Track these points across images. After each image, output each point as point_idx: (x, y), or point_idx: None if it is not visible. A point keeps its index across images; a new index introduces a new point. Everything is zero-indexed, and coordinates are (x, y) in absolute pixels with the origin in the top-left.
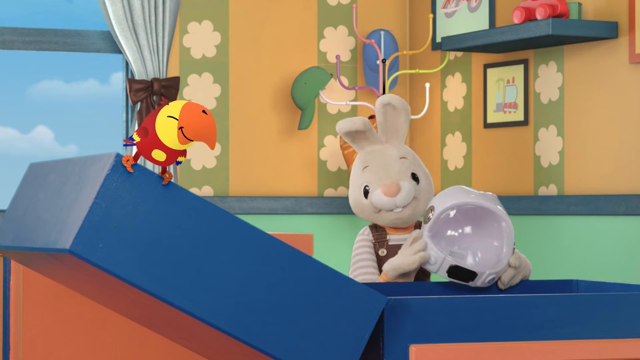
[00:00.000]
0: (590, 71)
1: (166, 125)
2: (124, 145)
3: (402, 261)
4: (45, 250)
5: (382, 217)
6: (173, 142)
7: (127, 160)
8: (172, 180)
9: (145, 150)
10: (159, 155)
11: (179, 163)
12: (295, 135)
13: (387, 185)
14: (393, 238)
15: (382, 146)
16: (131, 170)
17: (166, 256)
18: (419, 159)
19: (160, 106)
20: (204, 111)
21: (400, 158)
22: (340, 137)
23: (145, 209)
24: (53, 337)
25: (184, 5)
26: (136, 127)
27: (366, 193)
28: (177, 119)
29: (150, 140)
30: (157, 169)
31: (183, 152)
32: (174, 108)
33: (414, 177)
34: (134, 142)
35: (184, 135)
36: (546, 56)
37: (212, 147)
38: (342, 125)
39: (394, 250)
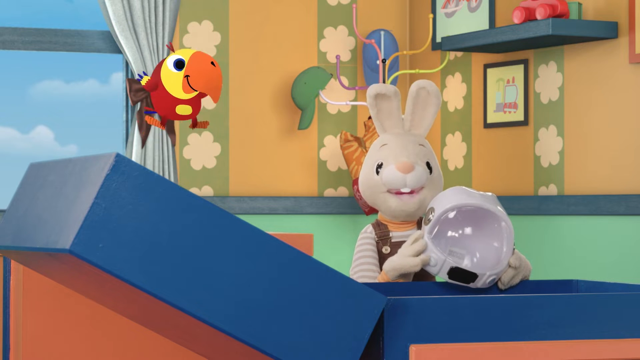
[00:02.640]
0: (590, 71)
1: (171, 72)
2: (145, 112)
3: (403, 263)
4: (45, 250)
5: (387, 201)
6: (178, 92)
7: (156, 123)
8: (173, 181)
9: (168, 111)
10: (184, 109)
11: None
12: (295, 135)
13: (401, 162)
14: (396, 235)
15: (403, 131)
16: (163, 128)
17: (166, 256)
18: (434, 153)
19: (165, 58)
20: (212, 62)
21: (419, 144)
22: (340, 136)
23: (145, 209)
24: (53, 337)
25: (184, 5)
26: (136, 128)
27: (378, 170)
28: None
29: (165, 99)
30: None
31: (202, 95)
32: (182, 55)
33: (428, 166)
34: (153, 111)
35: (189, 84)
36: (546, 56)
37: (215, 100)
38: (374, 87)
39: (397, 247)
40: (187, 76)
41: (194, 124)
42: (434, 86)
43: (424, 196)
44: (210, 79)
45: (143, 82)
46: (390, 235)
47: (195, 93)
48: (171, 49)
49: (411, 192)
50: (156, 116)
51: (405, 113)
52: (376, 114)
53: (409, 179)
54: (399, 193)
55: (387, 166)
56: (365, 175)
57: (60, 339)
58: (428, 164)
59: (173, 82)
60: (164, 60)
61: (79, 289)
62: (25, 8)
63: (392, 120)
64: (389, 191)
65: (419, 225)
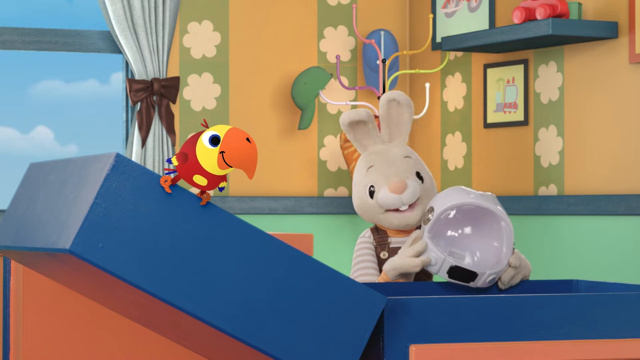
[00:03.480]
0: (590, 71)
1: (207, 149)
2: (166, 173)
3: (404, 263)
4: (45, 250)
5: (388, 219)
6: (213, 167)
7: (165, 181)
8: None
9: (186, 175)
10: (200, 180)
11: (221, 189)
12: (295, 135)
13: (393, 183)
14: (394, 240)
15: (385, 146)
16: (169, 192)
17: (166, 256)
18: (422, 159)
19: (200, 132)
20: (247, 139)
21: (405, 157)
22: (340, 137)
23: (145, 209)
24: (53, 337)
25: (184, 5)
26: (136, 127)
27: (372, 193)
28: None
29: (190, 165)
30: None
31: (224, 178)
32: (217, 132)
33: (419, 176)
34: (174, 169)
35: (224, 160)
36: (546, 56)
37: (250, 176)
38: (346, 115)
39: (395, 252)
40: (222, 152)
41: (202, 192)
42: (403, 96)
43: (422, 207)
44: (245, 155)
45: (174, 161)
46: (389, 240)
47: (231, 169)
48: (205, 125)
49: (409, 207)
50: (172, 175)
51: (381, 125)
52: (353, 137)
53: (405, 197)
54: (398, 210)
55: (380, 189)
56: (360, 199)
57: (60, 339)
58: (418, 174)
59: (208, 157)
60: (197, 135)
61: (79, 289)
62: (25, 8)
63: (370, 139)
64: (387, 211)
65: (416, 228)
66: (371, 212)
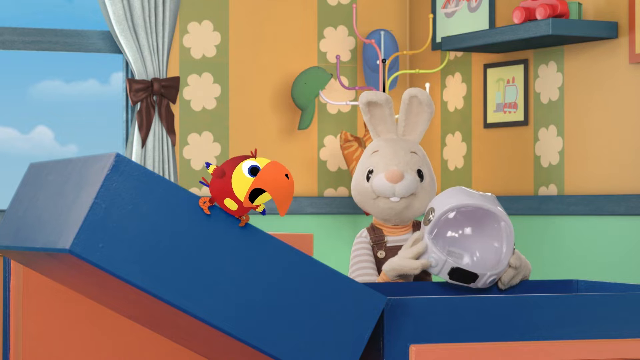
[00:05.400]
0: (590, 71)
1: (243, 176)
2: (201, 182)
3: (403, 264)
4: (45, 250)
5: (376, 206)
6: (244, 196)
7: (204, 202)
8: (173, 181)
9: (218, 196)
10: (231, 204)
11: (263, 212)
12: (295, 135)
13: (390, 171)
14: (391, 239)
15: (397, 137)
16: (208, 212)
17: (166, 256)
18: (429, 160)
19: (244, 157)
20: (286, 175)
21: (411, 152)
22: (341, 136)
23: (145, 209)
24: (53, 337)
25: (184, 5)
26: (136, 127)
27: (368, 178)
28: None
29: (223, 187)
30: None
31: (256, 206)
32: (258, 163)
33: (420, 173)
34: (208, 183)
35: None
36: (546, 56)
37: (281, 213)
38: (365, 94)
39: (392, 251)
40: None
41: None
42: (425, 95)
43: (412, 202)
44: (279, 188)
45: (210, 170)
46: (386, 239)
47: (261, 202)
48: (253, 155)
49: (400, 200)
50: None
51: (399, 119)
52: (369, 119)
53: (398, 189)
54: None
55: (377, 174)
56: (356, 181)
57: (60, 339)
58: (420, 172)
59: (242, 185)
60: (240, 159)
61: (79, 289)
62: (25, 8)
63: (385, 126)
64: (378, 197)
65: (414, 229)
66: (364, 195)
